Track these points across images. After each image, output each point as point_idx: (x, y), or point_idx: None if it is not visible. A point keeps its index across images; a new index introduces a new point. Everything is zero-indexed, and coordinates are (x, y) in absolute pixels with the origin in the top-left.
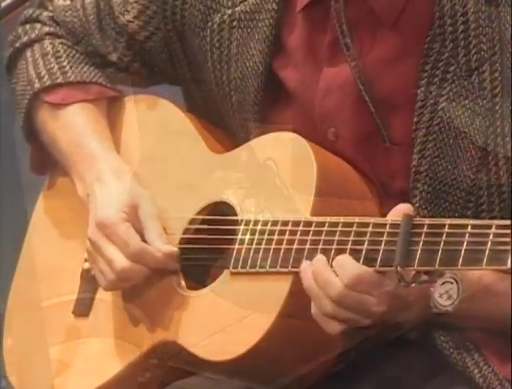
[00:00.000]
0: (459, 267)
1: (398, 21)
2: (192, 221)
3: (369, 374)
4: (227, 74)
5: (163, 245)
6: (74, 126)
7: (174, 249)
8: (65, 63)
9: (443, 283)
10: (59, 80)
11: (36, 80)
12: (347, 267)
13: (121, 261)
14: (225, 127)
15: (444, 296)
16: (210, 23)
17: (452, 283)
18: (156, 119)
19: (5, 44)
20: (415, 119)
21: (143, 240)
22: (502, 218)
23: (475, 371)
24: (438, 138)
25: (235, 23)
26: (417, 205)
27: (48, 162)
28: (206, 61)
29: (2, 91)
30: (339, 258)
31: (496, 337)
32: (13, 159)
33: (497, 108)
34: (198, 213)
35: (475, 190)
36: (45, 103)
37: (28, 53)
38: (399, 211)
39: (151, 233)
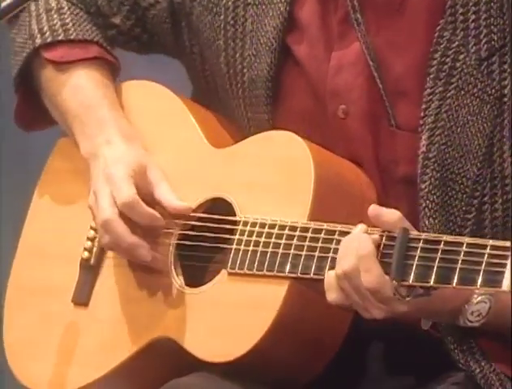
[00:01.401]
0: (454, 285)
1: (404, 3)
2: (190, 217)
3: (370, 372)
4: (241, 51)
5: (176, 201)
6: (84, 88)
7: (189, 205)
8: (68, 20)
9: (478, 302)
10: (60, 37)
11: (38, 35)
12: (373, 271)
13: (107, 210)
14: (224, 111)
15: (475, 313)
16: (224, 1)
17: (486, 302)
18: (155, 107)
19: (5, 44)
20: (423, 106)
21: (153, 200)
22: (504, 211)
23: (477, 371)
24: (446, 126)
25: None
26: (426, 190)
27: (33, 117)
28: (217, 38)
29: (2, 91)
30: (366, 258)
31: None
32: (14, 144)
33: (506, 99)
34: (196, 209)
35: (481, 180)
36: (46, 60)
37: (33, 7)
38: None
39: (163, 190)
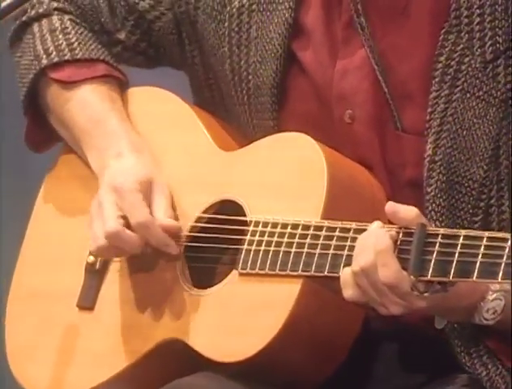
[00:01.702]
0: (474, 279)
1: (408, 6)
2: (199, 219)
3: (377, 373)
4: (246, 58)
5: (166, 219)
6: (91, 102)
7: (177, 224)
8: (73, 40)
9: (494, 299)
10: (67, 57)
11: (44, 56)
12: (390, 266)
13: (113, 224)
14: (229, 118)
15: (490, 311)
16: (228, 8)
17: (501, 299)
18: (162, 112)
19: (5, 44)
20: (429, 109)
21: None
22: (511, 213)
23: (483, 374)
24: (452, 129)
25: (254, 6)
26: (433, 194)
27: (43, 139)
28: (221, 46)
29: (2, 90)
30: (383, 253)
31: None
32: (14, 147)
33: (511, 102)
34: (206, 211)
35: (487, 182)
36: (52, 80)
37: (36, 28)
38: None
39: (158, 206)
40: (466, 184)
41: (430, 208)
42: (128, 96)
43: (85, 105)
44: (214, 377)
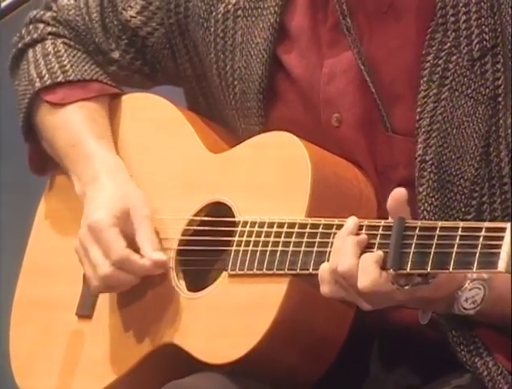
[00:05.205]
0: (451, 270)
1: (394, 5)
2: (190, 222)
3: (372, 372)
4: (231, 63)
5: (152, 252)
6: (71, 125)
7: (164, 257)
8: (65, 62)
9: (472, 288)
10: (59, 79)
11: (37, 80)
12: (370, 273)
13: (103, 267)
14: (225, 123)
15: (469, 300)
16: (214, 14)
17: (480, 289)
18: (153, 117)
19: (5, 44)
20: (418, 109)
21: (136, 246)
22: (503, 211)
23: (485, 373)
24: (442, 128)
25: (239, 12)
26: (424, 194)
27: (46, 162)
28: (209, 52)
29: (2, 92)
30: (367, 259)
31: (503, 334)
32: (14, 159)
33: (500, 99)
34: (196, 214)
35: (479, 180)
36: (45, 102)
37: (30, 54)
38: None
39: (142, 239)
40: (457, 182)
41: (422, 208)
42: (119, 103)
43: (65, 128)
44: (212, 377)
